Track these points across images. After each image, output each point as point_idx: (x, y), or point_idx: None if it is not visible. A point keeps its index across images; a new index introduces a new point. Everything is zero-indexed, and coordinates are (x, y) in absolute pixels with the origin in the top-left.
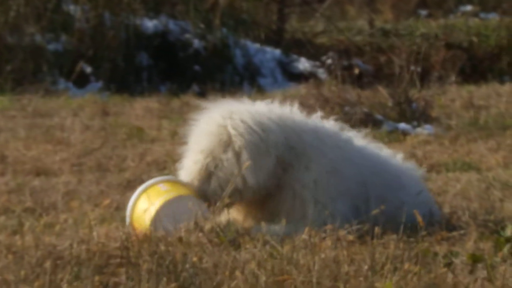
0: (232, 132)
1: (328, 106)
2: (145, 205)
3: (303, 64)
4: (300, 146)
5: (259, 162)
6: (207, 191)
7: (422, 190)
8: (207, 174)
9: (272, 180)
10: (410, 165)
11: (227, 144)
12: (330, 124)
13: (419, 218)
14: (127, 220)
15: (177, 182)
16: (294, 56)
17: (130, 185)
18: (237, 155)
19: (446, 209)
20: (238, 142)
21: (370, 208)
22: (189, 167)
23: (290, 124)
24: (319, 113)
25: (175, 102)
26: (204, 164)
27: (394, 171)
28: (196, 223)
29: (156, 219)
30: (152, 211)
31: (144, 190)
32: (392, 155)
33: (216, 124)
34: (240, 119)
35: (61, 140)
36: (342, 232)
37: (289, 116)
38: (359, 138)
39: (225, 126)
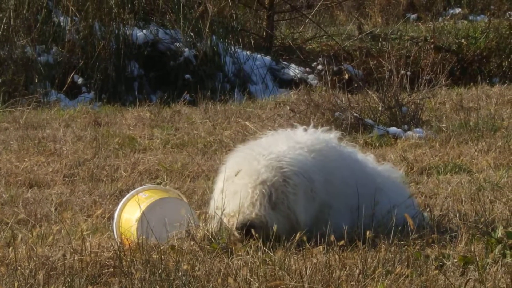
0: (290, 169)
1: (319, 112)
2: (130, 216)
3: (294, 70)
4: (337, 185)
5: (307, 205)
6: (271, 220)
7: (411, 194)
8: (271, 205)
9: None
10: (390, 169)
11: (288, 179)
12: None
13: (410, 222)
14: (115, 234)
15: (156, 188)
16: (285, 63)
17: (123, 195)
18: (295, 194)
19: (437, 212)
20: (294, 180)
21: (361, 213)
22: (248, 195)
23: (328, 163)
24: (311, 124)
25: (166, 111)
26: (268, 194)
27: (371, 173)
28: (188, 231)
29: (143, 225)
30: (137, 218)
31: (126, 203)
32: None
33: (275, 159)
34: (291, 164)
35: (53, 151)
36: (332, 237)
37: (325, 151)
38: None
39: (282, 163)
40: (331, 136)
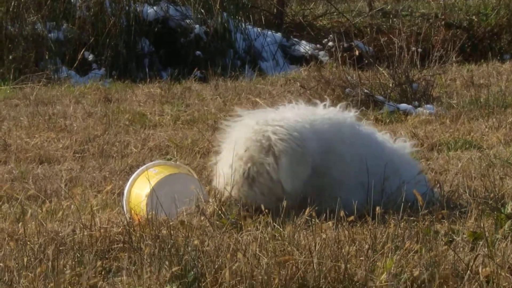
0: (273, 137)
1: (329, 88)
2: (140, 191)
3: (304, 47)
4: (334, 151)
5: (297, 169)
6: (248, 197)
7: (421, 171)
8: (249, 180)
9: (309, 187)
10: (403, 144)
11: (267, 149)
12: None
13: (419, 198)
14: (124, 209)
15: (166, 164)
16: (295, 39)
17: (133, 171)
18: (277, 161)
19: (447, 188)
20: (278, 147)
21: (370, 189)
22: (227, 173)
23: (323, 129)
24: (328, 101)
25: (176, 88)
26: (245, 169)
27: (389, 153)
28: (197, 206)
29: (153, 200)
30: (147, 193)
31: (136, 179)
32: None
33: (254, 130)
34: (280, 125)
35: (63, 127)
36: (342, 213)
37: (321, 119)
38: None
39: (265, 132)
40: (350, 114)
